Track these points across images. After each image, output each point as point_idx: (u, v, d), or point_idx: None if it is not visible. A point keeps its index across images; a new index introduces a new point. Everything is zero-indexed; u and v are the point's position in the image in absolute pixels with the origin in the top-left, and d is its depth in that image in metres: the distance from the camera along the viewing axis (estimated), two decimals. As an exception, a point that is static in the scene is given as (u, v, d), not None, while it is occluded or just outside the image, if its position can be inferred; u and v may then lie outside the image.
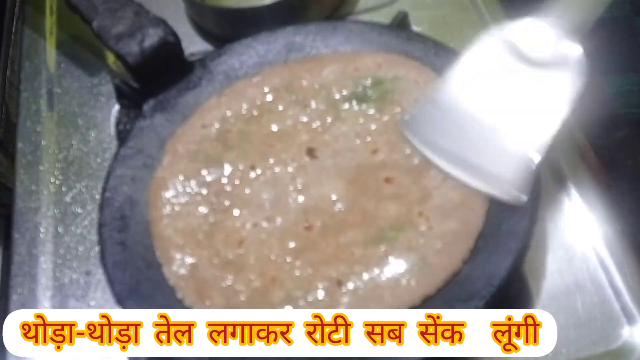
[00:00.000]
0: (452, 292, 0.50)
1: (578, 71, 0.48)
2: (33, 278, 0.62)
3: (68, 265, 0.62)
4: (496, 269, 0.49)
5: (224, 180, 0.59)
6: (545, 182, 0.60)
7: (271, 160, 0.60)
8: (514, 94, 0.50)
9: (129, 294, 0.53)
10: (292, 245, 0.55)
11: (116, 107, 0.72)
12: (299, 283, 0.53)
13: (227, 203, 0.58)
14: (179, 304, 0.54)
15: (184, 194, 0.59)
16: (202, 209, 0.58)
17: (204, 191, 0.59)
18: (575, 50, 0.48)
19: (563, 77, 0.47)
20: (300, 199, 0.57)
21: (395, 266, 0.52)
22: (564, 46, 0.48)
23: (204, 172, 0.60)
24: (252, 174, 0.59)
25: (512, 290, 0.54)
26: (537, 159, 0.49)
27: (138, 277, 0.54)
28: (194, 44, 0.77)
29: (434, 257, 0.52)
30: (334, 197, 0.57)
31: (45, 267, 0.62)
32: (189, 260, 0.55)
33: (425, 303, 0.50)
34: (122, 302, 0.53)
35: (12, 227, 0.65)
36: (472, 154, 0.51)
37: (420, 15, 0.72)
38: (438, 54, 0.62)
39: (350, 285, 0.52)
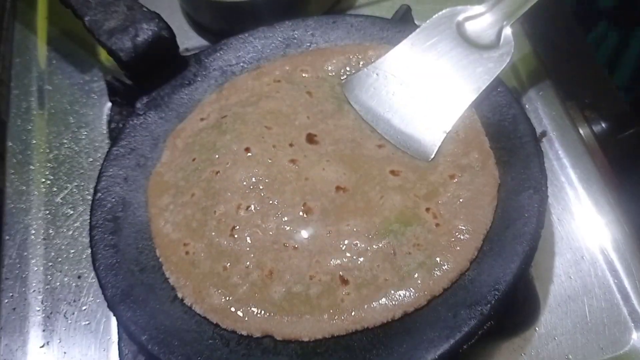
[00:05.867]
0: (457, 296, 0.49)
1: (505, 52, 0.58)
2: (24, 281, 0.60)
3: (59, 268, 0.61)
4: (502, 273, 0.48)
5: (216, 163, 0.57)
6: (553, 183, 0.59)
7: (267, 142, 0.57)
8: (446, 69, 0.58)
9: (122, 298, 0.51)
10: (288, 228, 0.52)
11: (108, 105, 0.71)
12: (299, 277, 0.50)
13: (217, 187, 0.56)
14: (178, 305, 0.52)
15: (180, 187, 0.57)
16: (195, 196, 0.56)
17: (196, 178, 0.57)
18: (507, 34, 0.59)
19: (492, 57, 0.58)
20: (298, 180, 0.55)
21: (401, 263, 0.50)
22: (500, 30, 0.59)
23: (196, 159, 0.58)
24: (246, 156, 0.57)
25: (518, 295, 0.53)
26: (447, 128, 0.57)
27: (131, 281, 0.53)
28: (189, 39, 0.75)
29: (442, 255, 0.50)
30: (334, 180, 0.54)
31: (36, 269, 0.61)
32: (186, 255, 0.53)
33: (430, 304, 0.49)
34: (114, 307, 0.51)
35: (2, 229, 0.63)
36: (394, 116, 0.58)
37: (423, 9, 0.70)
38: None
39: (354, 282, 0.50)
